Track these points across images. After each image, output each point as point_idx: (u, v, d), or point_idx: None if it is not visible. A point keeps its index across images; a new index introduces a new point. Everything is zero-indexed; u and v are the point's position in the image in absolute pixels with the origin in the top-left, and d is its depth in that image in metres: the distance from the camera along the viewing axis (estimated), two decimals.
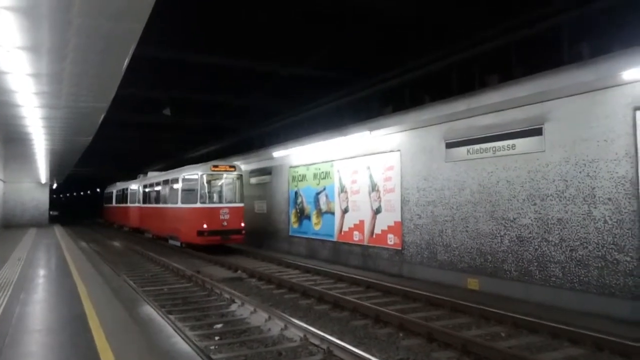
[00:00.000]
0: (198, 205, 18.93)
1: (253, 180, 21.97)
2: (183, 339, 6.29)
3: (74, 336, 5.55)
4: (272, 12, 12.17)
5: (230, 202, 19.38)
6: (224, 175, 19.53)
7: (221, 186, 19.60)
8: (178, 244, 20.68)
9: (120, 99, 12.18)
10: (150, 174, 27.94)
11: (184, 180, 20.27)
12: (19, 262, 12.05)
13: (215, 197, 19.46)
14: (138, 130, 25.33)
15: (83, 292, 8.17)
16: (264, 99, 19.38)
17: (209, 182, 19.35)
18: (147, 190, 26.82)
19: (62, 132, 15.56)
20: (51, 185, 37.98)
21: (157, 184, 24.60)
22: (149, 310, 7.95)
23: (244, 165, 22.63)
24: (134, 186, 30.27)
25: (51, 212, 37.54)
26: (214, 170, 19.32)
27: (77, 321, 6.15)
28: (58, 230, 26.42)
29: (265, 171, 20.73)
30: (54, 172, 31.94)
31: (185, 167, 22.12)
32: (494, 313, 8.25)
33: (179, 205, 20.39)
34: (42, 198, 33.01)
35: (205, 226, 18.41)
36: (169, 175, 22.99)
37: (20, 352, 4.99)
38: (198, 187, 19.01)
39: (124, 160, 40.28)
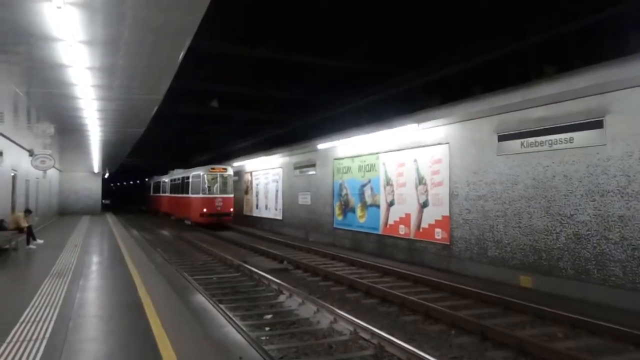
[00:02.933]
0: (201, 195, 27.09)
1: (297, 172, 22.04)
2: (235, 328, 6.38)
3: (131, 322, 5.71)
4: (316, 5, 12.06)
5: (222, 193, 27.31)
6: (219, 174, 27.59)
7: (217, 182, 27.41)
8: (189, 223, 28.31)
9: (169, 91, 12.39)
10: (175, 170, 35.04)
11: (192, 177, 28.54)
12: (76, 249, 12.56)
13: (213, 189, 27.27)
14: (185, 121, 26.07)
15: (137, 279, 8.41)
16: (307, 92, 19.38)
17: (208, 179, 27.25)
18: (171, 183, 34.92)
19: (116, 123, 15.98)
20: (103, 175, 39.45)
21: (178, 179, 32.48)
22: (201, 299, 8.11)
23: (287, 157, 22.90)
24: (165, 180, 38.03)
25: (103, 201, 39.13)
26: (211, 171, 27.55)
27: (134, 308, 6.33)
28: (110, 219, 27.42)
29: (309, 163, 20.75)
30: (106, 162, 33.12)
31: (193, 168, 30.45)
32: (549, 312, 7.94)
33: (190, 195, 28.62)
34: (94, 187, 34.35)
35: (205, 210, 26.59)
36: (184, 173, 31.02)
37: (83, 337, 5.16)
38: (201, 183, 27.22)
39: (172, 151, 41.27)
